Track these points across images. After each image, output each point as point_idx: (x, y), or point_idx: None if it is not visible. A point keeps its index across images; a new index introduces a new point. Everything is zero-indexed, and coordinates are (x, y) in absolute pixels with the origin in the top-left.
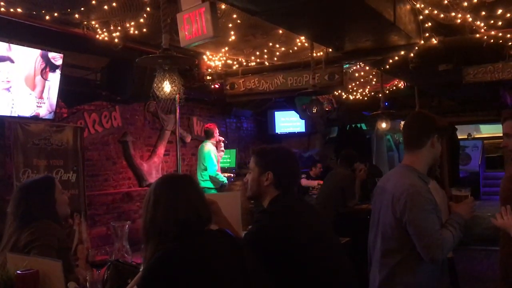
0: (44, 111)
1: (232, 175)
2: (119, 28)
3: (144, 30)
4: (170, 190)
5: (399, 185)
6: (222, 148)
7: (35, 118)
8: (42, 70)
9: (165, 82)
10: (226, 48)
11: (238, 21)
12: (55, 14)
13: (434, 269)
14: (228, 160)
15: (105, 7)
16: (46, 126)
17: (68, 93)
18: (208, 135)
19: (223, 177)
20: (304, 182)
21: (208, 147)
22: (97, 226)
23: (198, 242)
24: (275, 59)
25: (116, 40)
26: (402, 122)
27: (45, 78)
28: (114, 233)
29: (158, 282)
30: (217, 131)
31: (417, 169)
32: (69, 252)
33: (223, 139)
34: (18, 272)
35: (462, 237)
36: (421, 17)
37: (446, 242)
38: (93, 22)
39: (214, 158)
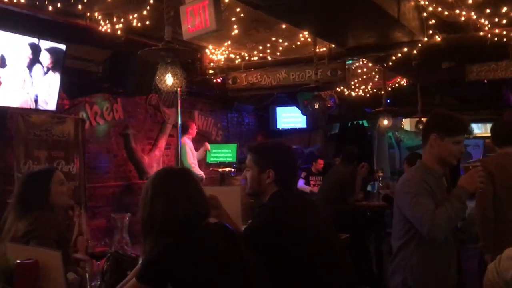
0: (45, 101)
1: (232, 169)
2: (122, 20)
3: (147, 22)
4: (168, 184)
5: (401, 178)
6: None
7: (35, 109)
8: (42, 59)
9: (167, 75)
10: (229, 42)
11: (242, 15)
12: (58, 5)
13: (436, 258)
14: (229, 155)
15: None
16: (48, 117)
17: (70, 85)
18: (183, 130)
19: (198, 171)
20: (300, 186)
21: (183, 141)
22: (97, 218)
23: (197, 237)
24: (278, 54)
25: (119, 32)
26: (404, 120)
27: (45, 67)
28: (114, 224)
29: (156, 276)
30: (194, 126)
31: (427, 164)
32: (68, 244)
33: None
34: (18, 261)
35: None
36: (425, 14)
37: (439, 219)
38: (96, 14)
39: (189, 152)
